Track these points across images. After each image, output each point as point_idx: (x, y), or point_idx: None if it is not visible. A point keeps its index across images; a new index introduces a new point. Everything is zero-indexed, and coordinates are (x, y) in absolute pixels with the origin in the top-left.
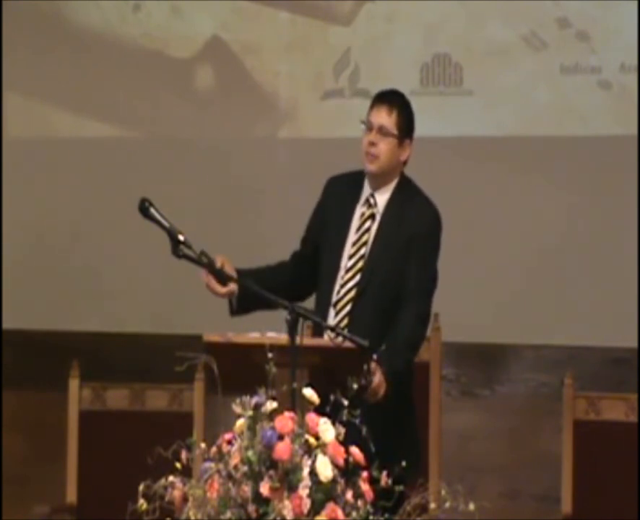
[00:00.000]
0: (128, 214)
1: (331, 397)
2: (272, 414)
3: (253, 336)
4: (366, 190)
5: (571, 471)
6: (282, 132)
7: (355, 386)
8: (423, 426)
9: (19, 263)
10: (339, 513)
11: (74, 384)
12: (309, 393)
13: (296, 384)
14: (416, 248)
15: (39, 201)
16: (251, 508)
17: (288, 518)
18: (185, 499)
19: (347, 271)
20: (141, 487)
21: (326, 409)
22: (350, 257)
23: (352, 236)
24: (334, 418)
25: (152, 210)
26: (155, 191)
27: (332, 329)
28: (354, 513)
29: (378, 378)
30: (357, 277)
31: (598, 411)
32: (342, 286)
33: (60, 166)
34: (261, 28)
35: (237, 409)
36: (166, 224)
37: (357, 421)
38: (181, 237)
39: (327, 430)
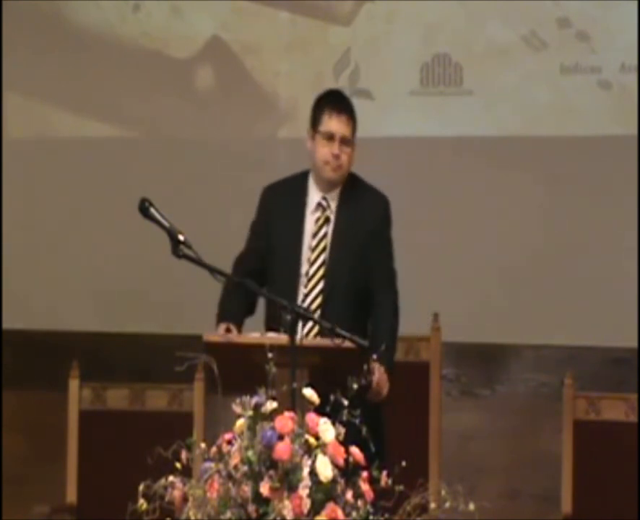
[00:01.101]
0: (128, 214)
1: (331, 397)
2: (272, 414)
3: (253, 336)
4: (314, 194)
5: (571, 471)
6: (282, 132)
7: (355, 386)
8: (423, 426)
9: (19, 263)
10: (339, 513)
11: (74, 384)
12: (309, 393)
13: (296, 384)
14: (377, 240)
15: (39, 201)
16: (251, 508)
17: (288, 518)
18: (185, 499)
19: (310, 279)
20: (141, 487)
21: (326, 409)
22: (311, 264)
23: (308, 241)
24: (334, 418)
25: (152, 210)
26: (155, 191)
27: (332, 330)
28: (354, 513)
29: (378, 377)
30: (321, 284)
31: (598, 411)
32: (307, 295)
33: (60, 166)
34: (261, 28)
35: (237, 409)
36: (166, 224)
37: (357, 421)
38: (181, 237)
39: (327, 430)
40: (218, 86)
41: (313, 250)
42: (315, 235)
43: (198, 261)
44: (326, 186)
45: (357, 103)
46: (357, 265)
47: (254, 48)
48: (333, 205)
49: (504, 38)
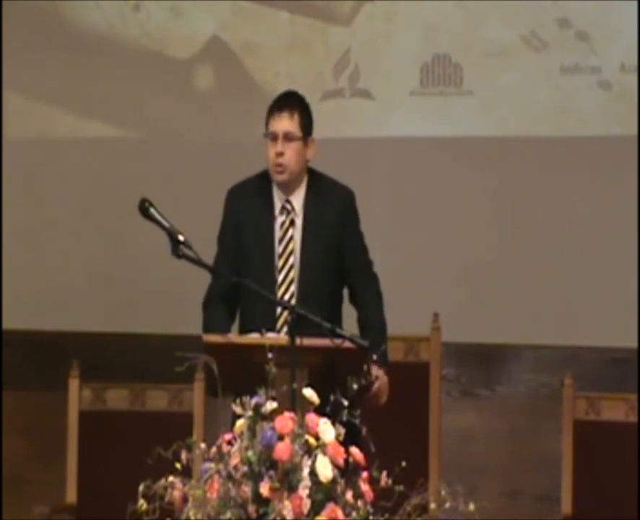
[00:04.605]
0: (128, 214)
1: (331, 397)
2: (272, 415)
3: (253, 337)
4: (278, 197)
5: (571, 471)
6: None
7: (355, 386)
8: (423, 426)
9: (19, 263)
10: (339, 513)
11: (74, 384)
12: (309, 393)
13: (296, 384)
14: (348, 235)
15: (39, 201)
16: (251, 508)
17: (288, 518)
18: (185, 499)
19: (279, 286)
20: (141, 487)
21: (326, 409)
22: (280, 270)
23: (276, 248)
24: (334, 418)
25: (152, 210)
26: (155, 191)
27: (332, 330)
28: (354, 513)
29: (380, 383)
30: (292, 288)
31: (598, 411)
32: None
33: (60, 166)
34: (261, 28)
35: (237, 409)
36: (166, 224)
37: (357, 421)
38: (181, 238)
39: (327, 430)
40: (218, 86)
41: (280, 256)
42: (281, 240)
43: (198, 261)
44: (285, 188)
45: (357, 103)
46: (330, 264)
47: (254, 48)
48: (297, 206)
49: (504, 38)
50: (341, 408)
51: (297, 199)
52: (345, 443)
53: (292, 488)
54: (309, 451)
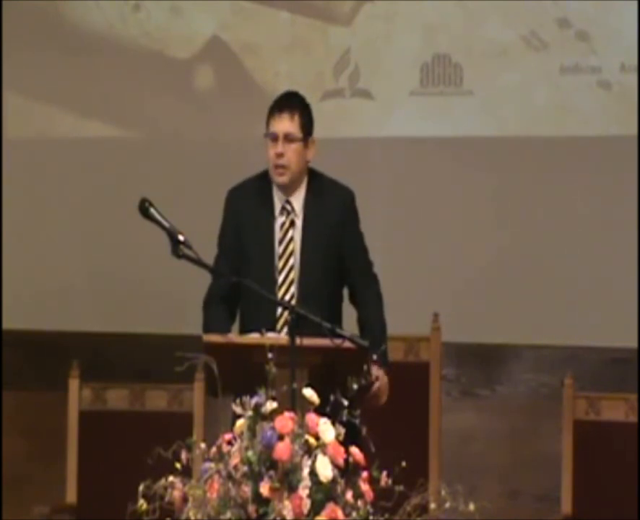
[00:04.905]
0: (128, 214)
1: (331, 397)
2: (272, 414)
3: (253, 337)
4: (278, 198)
5: (571, 471)
6: None
7: (355, 386)
8: (423, 426)
9: (19, 263)
10: (339, 513)
11: (74, 384)
12: (309, 393)
13: (296, 384)
14: (348, 235)
15: (39, 201)
16: (251, 508)
17: (288, 518)
18: (185, 499)
19: (280, 286)
20: (141, 487)
21: (326, 409)
22: (280, 271)
23: (277, 249)
24: (334, 418)
25: (152, 210)
26: (155, 191)
27: (332, 330)
28: (354, 513)
29: (381, 383)
30: (292, 289)
31: (598, 411)
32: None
33: (60, 166)
34: (261, 28)
35: (237, 409)
36: (166, 224)
37: (357, 421)
38: (181, 238)
39: (327, 430)
40: (218, 86)
41: (280, 257)
42: (281, 241)
43: (198, 261)
44: (285, 189)
45: (357, 103)
46: (330, 264)
47: (254, 48)
48: (297, 207)
49: (504, 38)
50: (341, 408)
51: (298, 200)
52: (345, 443)
53: (292, 488)
54: (309, 451)
